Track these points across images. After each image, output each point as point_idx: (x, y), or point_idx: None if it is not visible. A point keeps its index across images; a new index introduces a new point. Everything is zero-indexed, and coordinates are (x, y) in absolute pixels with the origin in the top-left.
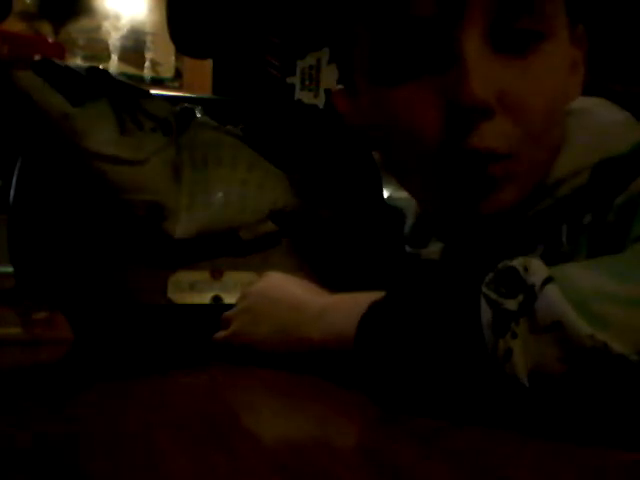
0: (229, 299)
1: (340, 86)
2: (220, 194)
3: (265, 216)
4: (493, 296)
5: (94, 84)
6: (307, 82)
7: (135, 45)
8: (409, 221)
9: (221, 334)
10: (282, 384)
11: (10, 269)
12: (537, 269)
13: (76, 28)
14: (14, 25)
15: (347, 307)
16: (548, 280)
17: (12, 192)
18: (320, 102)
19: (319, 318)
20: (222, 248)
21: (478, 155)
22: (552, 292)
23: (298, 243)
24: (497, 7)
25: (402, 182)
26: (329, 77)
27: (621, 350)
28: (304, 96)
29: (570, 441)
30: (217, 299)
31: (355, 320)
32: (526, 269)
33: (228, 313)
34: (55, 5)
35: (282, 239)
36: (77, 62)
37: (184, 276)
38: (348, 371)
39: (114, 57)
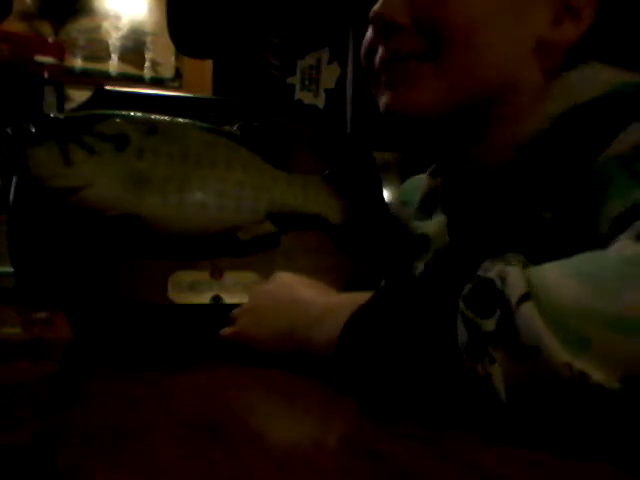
0: (229, 299)
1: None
2: (214, 195)
3: (263, 217)
4: (470, 315)
5: (41, 131)
6: (307, 82)
7: (135, 45)
8: (419, 194)
9: (226, 331)
10: (282, 384)
11: (10, 269)
12: (515, 280)
13: (76, 28)
14: (14, 25)
15: (345, 311)
16: (525, 297)
17: (12, 192)
18: (320, 102)
19: (319, 321)
20: (221, 248)
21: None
22: (529, 312)
23: (297, 243)
24: None
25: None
26: (329, 77)
27: (600, 380)
28: (304, 96)
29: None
30: (217, 299)
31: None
32: (503, 280)
33: (235, 311)
34: (55, 5)
35: (281, 239)
36: (77, 62)
37: (184, 276)
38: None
39: (114, 57)
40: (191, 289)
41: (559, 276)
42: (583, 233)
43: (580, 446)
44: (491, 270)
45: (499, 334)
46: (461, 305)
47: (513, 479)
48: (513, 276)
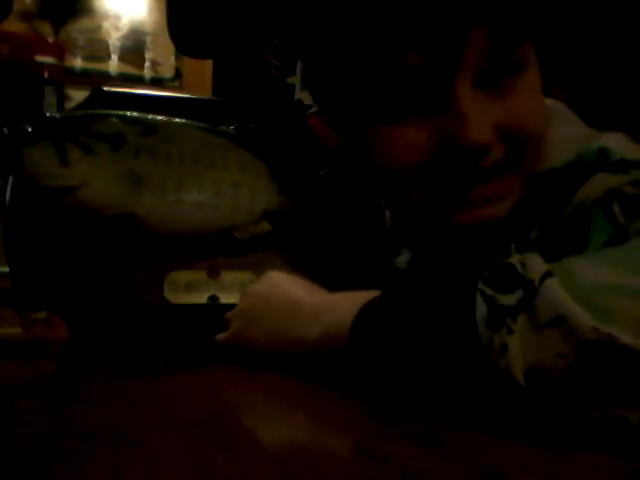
0: (225, 299)
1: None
2: (211, 195)
3: (259, 217)
4: (489, 292)
5: (38, 131)
6: None
7: (135, 45)
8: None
9: (222, 336)
10: (282, 384)
11: (8, 269)
12: (535, 264)
13: (76, 28)
14: (14, 25)
15: (341, 308)
16: (547, 275)
17: (8, 192)
18: None
19: (313, 319)
20: (218, 248)
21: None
22: (553, 287)
23: (294, 243)
24: (490, 51)
25: (380, 194)
26: None
27: (628, 341)
28: (304, 96)
29: (568, 443)
30: (213, 299)
31: (350, 320)
32: (523, 265)
33: (229, 314)
34: (55, 5)
35: (278, 239)
36: (77, 62)
37: (181, 276)
38: (343, 372)
39: (114, 57)
40: (188, 289)
41: (578, 263)
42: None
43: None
44: (511, 258)
45: (520, 307)
46: (480, 285)
47: (513, 479)
48: (533, 260)
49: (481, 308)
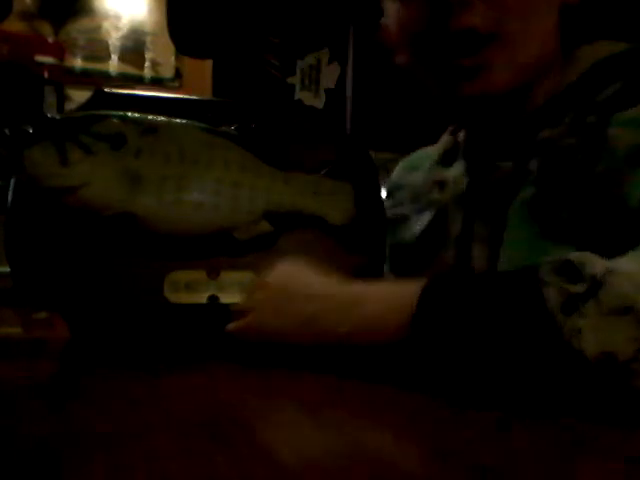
0: (225, 299)
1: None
2: (210, 195)
3: (260, 216)
4: (556, 281)
5: (38, 132)
6: (307, 82)
7: (135, 45)
8: (439, 147)
9: (234, 326)
10: (282, 384)
11: (9, 269)
12: (595, 263)
13: (76, 28)
14: (14, 25)
15: (384, 299)
16: (609, 271)
17: (10, 192)
18: (320, 102)
19: (348, 310)
20: (218, 248)
21: (462, 36)
22: (618, 281)
23: (294, 243)
24: None
25: (418, 78)
26: (329, 77)
27: None
28: (304, 96)
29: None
30: (213, 299)
31: (400, 312)
32: (582, 263)
33: (243, 305)
34: (55, 5)
35: (278, 239)
36: (77, 62)
37: (180, 276)
38: (369, 365)
39: (114, 57)
40: (188, 289)
41: (633, 265)
42: (599, 163)
43: None
44: (569, 255)
45: (588, 295)
46: (545, 278)
47: (514, 479)
48: (592, 259)
49: (552, 295)
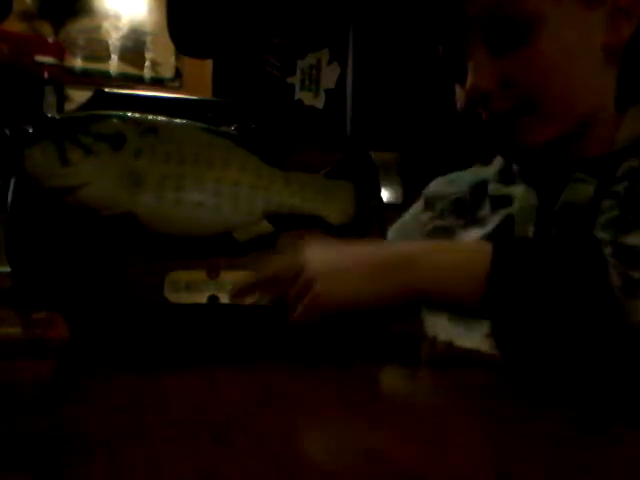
0: (225, 299)
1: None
2: (210, 195)
3: (260, 216)
4: (620, 267)
5: (38, 132)
6: (307, 82)
7: (135, 45)
8: (496, 166)
9: (303, 300)
10: (282, 384)
11: (9, 269)
12: None
13: (76, 28)
14: (14, 25)
15: (448, 252)
16: None
17: (10, 192)
18: (320, 102)
19: (413, 264)
20: (218, 248)
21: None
22: None
23: (294, 243)
24: (490, 10)
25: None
26: (329, 77)
27: None
28: (304, 96)
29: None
30: (213, 299)
31: (469, 263)
32: None
33: (304, 277)
34: (55, 5)
35: (278, 239)
36: (77, 62)
37: (181, 275)
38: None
39: (114, 57)
40: (188, 289)
41: None
42: None
43: None
44: (627, 237)
45: None
46: (610, 260)
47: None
48: None
49: (616, 280)
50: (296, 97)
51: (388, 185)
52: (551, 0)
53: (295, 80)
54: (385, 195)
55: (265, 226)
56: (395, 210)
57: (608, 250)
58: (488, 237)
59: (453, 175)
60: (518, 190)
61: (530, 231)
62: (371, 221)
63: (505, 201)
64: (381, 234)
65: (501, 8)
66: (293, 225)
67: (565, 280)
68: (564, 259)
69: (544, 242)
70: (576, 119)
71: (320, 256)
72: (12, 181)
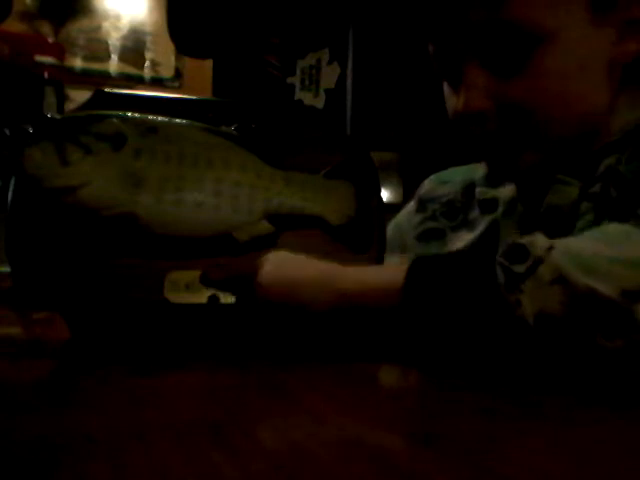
0: (225, 299)
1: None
2: (210, 195)
3: (260, 217)
4: (505, 263)
5: (38, 132)
6: (307, 82)
7: (135, 45)
8: (480, 172)
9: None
10: (281, 384)
11: (9, 269)
12: (542, 243)
13: (76, 28)
14: (14, 25)
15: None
16: (551, 248)
17: (10, 192)
18: (320, 102)
19: (346, 272)
20: (218, 248)
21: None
22: (556, 255)
23: (295, 243)
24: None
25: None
26: (329, 77)
27: (607, 293)
28: (304, 96)
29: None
30: (213, 299)
31: (392, 281)
32: (531, 244)
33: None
34: (55, 5)
35: (278, 239)
36: (77, 62)
37: (180, 275)
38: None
39: (114, 57)
40: (188, 289)
41: (577, 241)
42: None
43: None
44: (522, 238)
45: (528, 272)
46: (498, 259)
47: (514, 479)
48: (540, 240)
49: (500, 277)
50: (296, 97)
51: (388, 185)
52: (558, 14)
53: (295, 80)
54: (385, 195)
55: (265, 226)
56: (395, 210)
57: (501, 249)
58: (476, 241)
59: (447, 173)
60: (505, 192)
61: (515, 236)
62: (371, 221)
63: (492, 205)
64: (381, 234)
65: (502, 25)
66: (293, 225)
67: (460, 289)
68: (464, 272)
69: (453, 259)
70: (575, 138)
71: (278, 256)
72: (12, 181)
